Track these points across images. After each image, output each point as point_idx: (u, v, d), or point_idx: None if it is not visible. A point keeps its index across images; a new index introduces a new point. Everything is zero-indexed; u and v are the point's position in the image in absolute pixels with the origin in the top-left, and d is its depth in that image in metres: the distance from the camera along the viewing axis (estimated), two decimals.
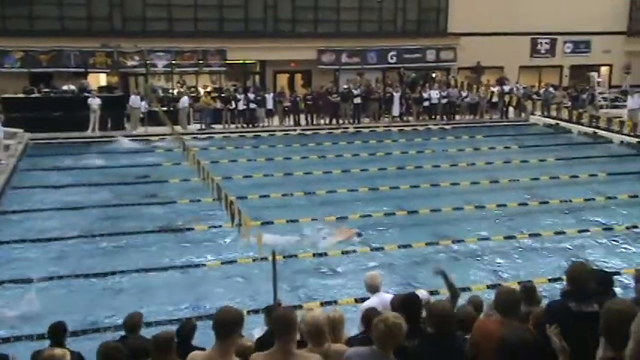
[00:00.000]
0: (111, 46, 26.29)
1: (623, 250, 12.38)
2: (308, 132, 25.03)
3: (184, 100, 25.00)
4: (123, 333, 6.34)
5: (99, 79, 27.28)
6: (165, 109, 24.72)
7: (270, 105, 25.83)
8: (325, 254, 11.91)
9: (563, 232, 13.13)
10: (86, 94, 24.29)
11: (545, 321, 4.44)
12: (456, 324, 4.58)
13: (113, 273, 11.13)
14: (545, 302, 5.68)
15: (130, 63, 26.76)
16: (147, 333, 6.17)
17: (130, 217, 14.59)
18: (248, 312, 8.83)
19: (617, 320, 2.94)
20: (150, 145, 22.66)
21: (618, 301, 3.78)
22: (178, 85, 27.76)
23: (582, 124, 25.21)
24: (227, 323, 4.03)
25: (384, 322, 4.06)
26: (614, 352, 2.86)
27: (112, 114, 24.32)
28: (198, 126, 25.33)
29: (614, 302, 3.29)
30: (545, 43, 31.72)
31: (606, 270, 5.89)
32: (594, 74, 31.17)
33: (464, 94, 27.83)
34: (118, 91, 26.11)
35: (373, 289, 6.90)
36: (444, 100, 27.13)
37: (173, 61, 27.10)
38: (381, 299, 6.58)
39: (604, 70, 32.59)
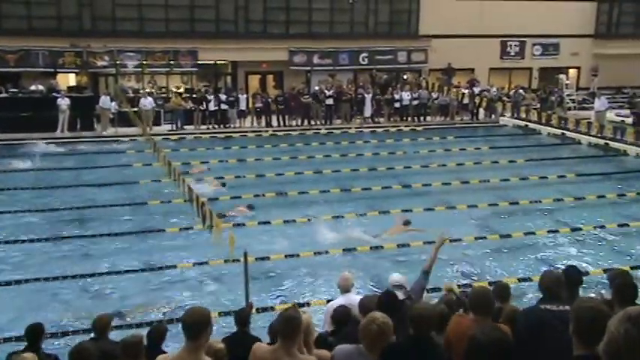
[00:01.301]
0: (80, 45, 25.90)
1: (591, 250, 12.55)
2: (280, 133, 24.98)
3: (148, 101, 24.68)
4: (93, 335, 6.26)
5: (68, 79, 26.87)
6: (135, 109, 24.45)
7: (243, 106, 25.75)
8: (298, 255, 11.87)
9: (533, 233, 13.28)
10: (55, 95, 23.93)
11: (521, 324, 4.49)
12: (435, 326, 4.60)
13: (83, 276, 10.96)
14: (515, 301, 5.75)
15: (99, 63, 26.38)
16: (119, 335, 6.09)
17: (99, 218, 14.38)
18: (220, 314, 8.79)
19: (589, 318, 2.97)
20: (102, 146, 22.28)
21: (588, 299, 3.84)
22: (150, 85, 27.47)
23: (551, 126, 25.60)
24: (195, 323, 4.03)
25: (375, 323, 4.06)
26: (586, 349, 2.89)
27: (82, 114, 23.98)
28: (169, 127, 25.11)
29: (585, 300, 3.33)
30: (515, 45, 32.12)
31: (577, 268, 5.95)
32: (563, 76, 31.64)
33: (434, 95, 28.06)
34: (87, 91, 25.78)
35: (344, 289, 6.99)
36: (415, 102, 27.31)
37: (144, 62, 26.80)
38: (349, 299, 6.64)
39: (572, 72, 33.12)
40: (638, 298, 4.80)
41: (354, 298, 6.60)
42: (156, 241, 12.96)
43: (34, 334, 6.02)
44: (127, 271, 11.16)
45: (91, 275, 10.99)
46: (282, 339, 4.12)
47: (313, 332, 5.56)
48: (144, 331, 6.11)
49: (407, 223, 13.34)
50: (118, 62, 26.37)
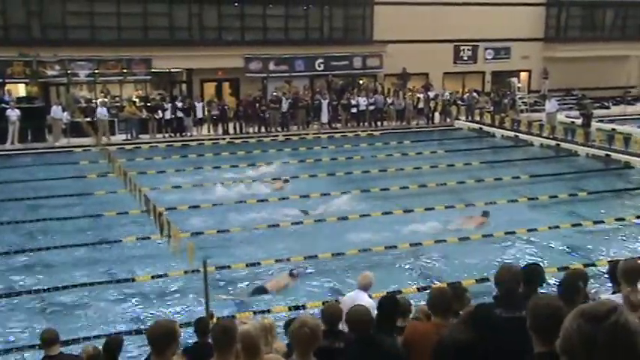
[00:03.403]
0: (29, 55, 25.26)
1: (547, 250, 12.80)
2: (237, 140, 24.85)
3: (101, 111, 24.27)
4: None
5: (18, 90, 26.17)
6: (88, 119, 23.98)
7: (199, 114, 25.55)
8: (258, 263, 11.80)
9: (491, 235, 13.46)
10: (4, 106, 23.27)
11: (472, 325, 4.53)
12: (372, 327, 4.63)
13: (37, 291, 10.68)
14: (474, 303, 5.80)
15: (50, 72, 25.76)
16: (75, 350, 5.95)
17: (52, 231, 14.04)
18: (180, 325, 8.66)
19: (546, 315, 3.02)
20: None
21: (544, 296, 3.90)
22: (102, 94, 27.01)
23: (504, 128, 26.12)
24: (160, 337, 3.95)
25: (307, 326, 4.03)
26: (545, 347, 2.93)
27: (32, 125, 23.41)
28: (124, 136, 24.71)
29: (541, 298, 3.39)
30: (468, 50, 32.68)
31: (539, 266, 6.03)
32: (514, 79, 32.30)
33: (390, 100, 28.33)
34: (38, 101, 25.14)
35: (360, 286, 7.18)
36: (372, 107, 27.52)
37: (96, 70, 26.31)
38: (357, 295, 6.80)
39: (523, 75, 33.84)
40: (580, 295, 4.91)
41: (361, 297, 6.74)
42: (113, 253, 12.72)
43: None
44: (83, 284, 10.91)
45: (46, 290, 10.71)
46: (218, 352, 4.04)
47: (275, 337, 5.53)
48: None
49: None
50: (69, 71, 25.82)
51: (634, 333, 1.93)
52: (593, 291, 5.33)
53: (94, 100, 26.70)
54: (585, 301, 4.70)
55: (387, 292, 8.04)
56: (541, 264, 11.26)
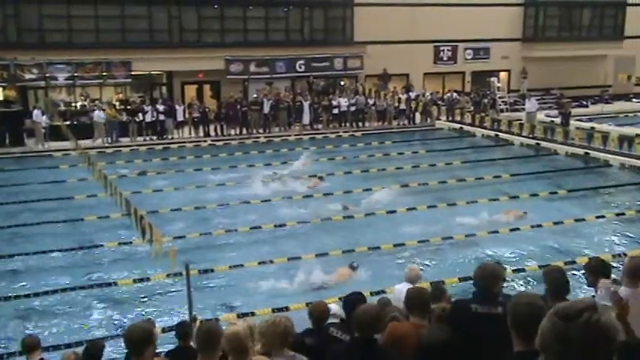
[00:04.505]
0: (6, 58, 24.98)
1: (529, 248, 12.90)
2: (219, 143, 24.76)
3: (98, 114, 24.16)
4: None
5: None
6: (67, 123, 23.77)
7: (180, 116, 25.43)
8: (242, 265, 11.77)
9: (474, 234, 13.50)
10: None
11: (448, 320, 4.56)
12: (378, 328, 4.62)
13: (17, 297, 10.56)
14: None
15: (28, 76, 25.51)
16: (56, 357, 5.90)
17: (33, 236, 13.88)
18: (163, 329, 8.60)
19: (525, 314, 3.03)
20: None
21: (524, 295, 3.92)
22: (82, 98, 26.77)
23: (485, 128, 26.31)
24: (137, 340, 3.93)
25: (281, 325, 4.03)
26: (525, 345, 2.95)
27: (10, 129, 23.14)
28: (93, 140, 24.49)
29: (521, 296, 3.40)
30: (448, 50, 32.87)
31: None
32: (494, 79, 32.54)
33: (371, 101, 28.40)
34: (16, 105, 24.85)
35: (407, 279, 7.32)
36: (353, 108, 27.58)
37: (75, 74, 26.08)
38: (404, 289, 6.78)
39: (503, 75, 34.10)
40: (569, 293, 4.95)
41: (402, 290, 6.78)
42: (94, 257, 12.61)
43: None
44: (65, 290, 10.80)
45: (26, 296, 10.59)
46: (202, 354, 4.02)
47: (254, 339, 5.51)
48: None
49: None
50: (47, 75, 25.56)
51: (605, 331, 1.99)
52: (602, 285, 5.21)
53: (73, 104, 26.47)
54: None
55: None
56: (522, 262, 11.40)
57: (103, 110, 24.56)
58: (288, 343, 4.03)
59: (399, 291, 6.82)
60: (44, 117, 23.58)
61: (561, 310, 2.04)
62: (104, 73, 26.57)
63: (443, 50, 32.78)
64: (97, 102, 25.91)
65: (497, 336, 3.10)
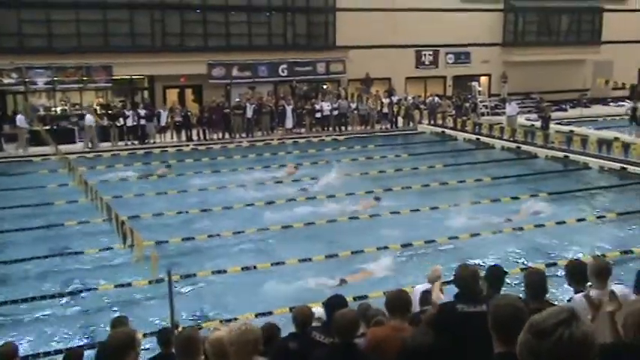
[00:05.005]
0: None
1: (512, 251, 12.99)
2: (201, 147, 24.67)
3: (89, 118, 23.99)
4: None
5: None
6: (47, 127, 23.54)
7: (164, 121, 25.30)
8: (225, 271, 11.71)
9: (456, 237, 13.54)
10: None
11: (435, 322, 4.59)
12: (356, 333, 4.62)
13: None
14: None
15: (6, 81, 25.25)
16: None
17: (13, 242, 13.71)
18: (144, 335, 8.53)
19: (506, 315, 3.06)
20: None
21: (505, 296, 3.96)
22: (62, 102, 26.54)
23: (466, 131, 26.47)
24: (117, 347, 3.90)
25: (250, 333, 4.01)
26: (505, 347, 2.97)
27: None
28: (84, 144, 24.30)
29: (502, 298, 3.43)
30: (429, 54, 33.07)
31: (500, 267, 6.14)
32: (475, 84, 32.78)
33: (354, 105, 28.48)
34: None
35: (430, 280, 7.19)
36: (336, 112, 27.63)
37: (55, 78, 25.85)
38: (423, 287, 6.83)
39: (484, 79, 34.38)
40: (547, 293, 5.03)
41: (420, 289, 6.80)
42: (74, 263, 12.48)
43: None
44: (43, 297, 10.68)
45: (4, 303, 10.45)
46: (182, 359, 4.00)
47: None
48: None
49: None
50: (26, 80, 25.31)
51: (579, 346, 1.99)
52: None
53: (53, 109, 26.24)
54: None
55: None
56: (504, 265, 11.45)
57: (92, 114, 24.44)
58: (258, 351, 4.02)
59: (418, 291, 6.84)
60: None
61: (535, 326, 2.06)
62: (85, 78, 26.37)
63: (424, 55, 32.98)
64: (86, 106, 25.74)
65: (484, 335, 3.13)
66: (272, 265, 12.03)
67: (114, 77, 26.98)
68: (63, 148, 21.16)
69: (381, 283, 10.93)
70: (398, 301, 4.79)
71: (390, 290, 5.48)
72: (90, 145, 23.90)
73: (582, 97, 33.77)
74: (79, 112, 25.86)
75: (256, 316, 9.58)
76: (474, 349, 3.81)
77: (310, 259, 12.20)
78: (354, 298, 9.28)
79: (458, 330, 4.28)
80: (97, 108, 26.46)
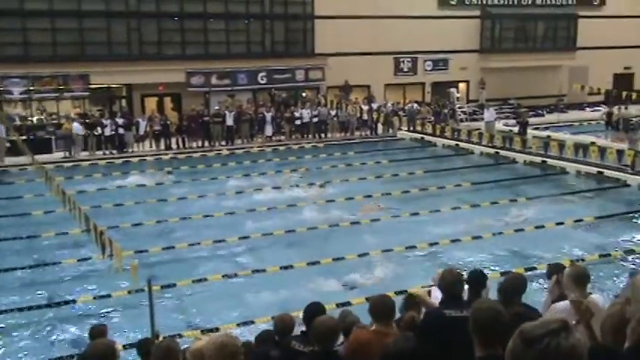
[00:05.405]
0: None
1: (491, 255, 13.06)
2: (180, 156, 24.52)
3: (77, 127, 23.82)
4: None
5: None
6: (24, 137, 23.24)
7: (142, 130, 25.12)
8: (205, 279, 11.63)
9: (437, 243, 13.61)
10: None
11: (422, 327, 4.59)
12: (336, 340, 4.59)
13: None
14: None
15: None
16: None
17: None
18: (124, 346, 8.44)
19: (486, 319, 3.07)
20: None
21: (485, 300, 3.98)
22: (38, 112, 26.23)
23: (445, 137, 26.63)
24: (98, 356, 3.84)
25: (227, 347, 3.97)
26: (485, 350, 2.98)
27: None
28: (62, 154, 24.02)
29: (482, 302, 3.45)
30: (408, 61, 33.26)
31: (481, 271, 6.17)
32: (453, 90, 33.00)
33: (333, 112, 28.53)
34: None
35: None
36: (315, 119, 27.66)
37: (31, 87, 25.55)
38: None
39: (462, 86, 34.66)
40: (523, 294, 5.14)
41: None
42: (52, 275, 12.31)
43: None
44: (21, 309, 10.51)
45: None
46: None
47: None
48: None
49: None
50: (2, 89, 24.99)
51: (564, 358, 1.97)
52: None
53: (30, 118, 25.92)
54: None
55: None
56: (485, 269, 11.52)
57: (80, 123, 24.20)
58: None
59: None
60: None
61: (525, 332, 2.05)
62: (61, 87, 26.11)
63: (403, 62, 33.17)
64: (73, 115, 25.53)
65: (469, 340, 3.14)
66: (253, 272, 11.98)
67: (91, 86, 26.74)
68: (40, 158, 20.89)
69: (363, 291, 10.94)
70: (382, 307, 4.76)
71: (372, 296, 5.44)
72: (72, 153, 23.65)
73: (559, 103, 34.20)
74: (57, 121, 25.59)
75: (238, 325, 9.53)
76: (460, 353, 3.82)
77: (292, 267, 12.16)
78: (337, 305, 9.27)
79: (444, 335, 4.28)
80: (75, 117, 26.16)
